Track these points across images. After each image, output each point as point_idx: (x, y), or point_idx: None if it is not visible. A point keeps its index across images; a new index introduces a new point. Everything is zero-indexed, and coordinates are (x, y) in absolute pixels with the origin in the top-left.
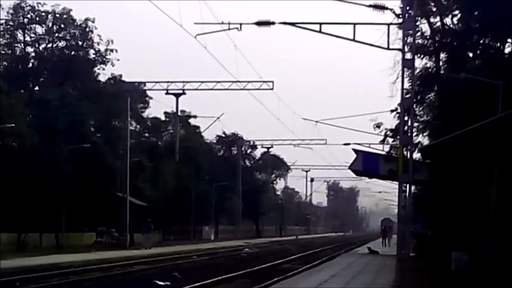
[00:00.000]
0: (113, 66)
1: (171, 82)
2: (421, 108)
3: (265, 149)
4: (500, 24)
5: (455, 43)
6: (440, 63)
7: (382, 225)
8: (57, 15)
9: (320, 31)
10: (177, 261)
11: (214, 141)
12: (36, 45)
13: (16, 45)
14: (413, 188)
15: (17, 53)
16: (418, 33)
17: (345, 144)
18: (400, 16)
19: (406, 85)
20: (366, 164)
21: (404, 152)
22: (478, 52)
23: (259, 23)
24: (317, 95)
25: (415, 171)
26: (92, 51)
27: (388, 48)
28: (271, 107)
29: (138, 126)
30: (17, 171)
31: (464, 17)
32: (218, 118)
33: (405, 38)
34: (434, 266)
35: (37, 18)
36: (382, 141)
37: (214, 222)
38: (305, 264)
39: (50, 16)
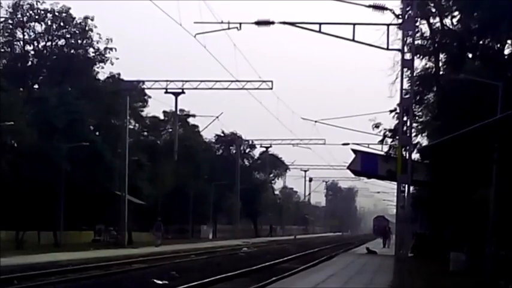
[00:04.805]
0: (112, 64)
1: (170, 81)
2: (420, 109)
3: (264, 149)
4: (500, 25)
5: (454, 44)
6: (440, 63)
7: (374, 224)
8: (57, 14)
9: (320, 31)
10: (175, 260)
11: (213, 140)
12: (35, 44)
13: (15, 43)
14: (412, 188)
15: (16, 51)
16: (418, 34)
17: (344, 144)
18: (400, 16)
19: (406, 85)
20: (365, 164)
21: (403, 152)
22: (478, 53)
23: (259, 23)
24: (316, 95)
25: (413, 171)
26: (91, 50)
27: (387, 49)
28: (270, 107)
29: (137, 125)
30: (15, 169)
31: (464, 17)
32: (217, 117)
33: (405, 39)
34: (432, 266)
35: (36, 17)
36: (381, 142)
37: (213, 222)
38: (303, 264)
39: (49, 14)
